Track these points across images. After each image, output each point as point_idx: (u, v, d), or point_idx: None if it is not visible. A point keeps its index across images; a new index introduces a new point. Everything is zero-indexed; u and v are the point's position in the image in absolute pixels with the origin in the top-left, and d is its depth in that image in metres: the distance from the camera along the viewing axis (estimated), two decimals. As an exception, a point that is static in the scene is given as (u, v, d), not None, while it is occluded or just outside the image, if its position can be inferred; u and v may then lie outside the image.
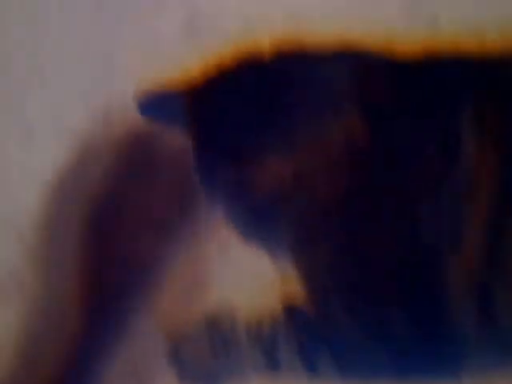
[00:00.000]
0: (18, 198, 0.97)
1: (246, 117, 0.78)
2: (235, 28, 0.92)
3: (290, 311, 0.83)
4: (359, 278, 0.77)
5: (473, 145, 0.74)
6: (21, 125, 0.98)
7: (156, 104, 0.85)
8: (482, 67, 0.78)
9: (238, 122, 0.79)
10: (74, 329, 0.93)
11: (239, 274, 0.93)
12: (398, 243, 0.75)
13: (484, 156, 0.74)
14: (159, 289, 0.94)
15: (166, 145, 0.93)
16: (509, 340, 0.75)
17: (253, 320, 0.85)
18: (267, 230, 0.81)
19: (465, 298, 0.74)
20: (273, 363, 0.83)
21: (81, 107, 0.96)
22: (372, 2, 0.93)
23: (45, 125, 0.98)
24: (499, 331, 0.74)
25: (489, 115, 0.75)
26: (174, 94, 0.83)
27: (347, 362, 0.79)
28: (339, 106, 0.76)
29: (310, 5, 0.93)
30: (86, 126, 0.96)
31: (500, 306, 0.73)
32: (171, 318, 0.92)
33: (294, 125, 0.77)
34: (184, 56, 0.90)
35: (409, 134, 0.75)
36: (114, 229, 0.94)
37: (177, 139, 0.87)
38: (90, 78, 0.97)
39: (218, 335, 0.86)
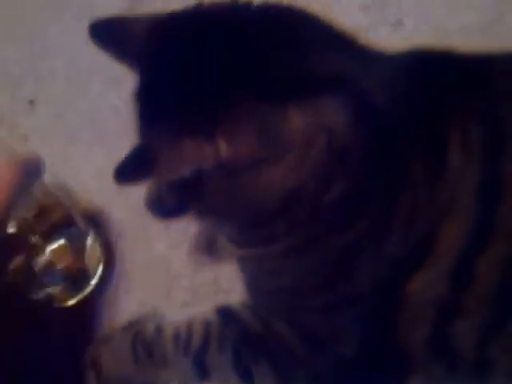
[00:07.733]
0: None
1: None
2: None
3: (225, 319, 0.76)
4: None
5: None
6: None
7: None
8: None
9: None
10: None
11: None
12: None
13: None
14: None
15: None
16: None
17: (182, 327, 0.78)
18: None
19: None
20: (203, 374, 0.76)
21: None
22: None
23: None
24: None
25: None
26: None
27: (287, 376, 0.72)
28: None
29: None
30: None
31: None
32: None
33: None
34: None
35: None
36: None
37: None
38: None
39: (141, 341, 0.78)
